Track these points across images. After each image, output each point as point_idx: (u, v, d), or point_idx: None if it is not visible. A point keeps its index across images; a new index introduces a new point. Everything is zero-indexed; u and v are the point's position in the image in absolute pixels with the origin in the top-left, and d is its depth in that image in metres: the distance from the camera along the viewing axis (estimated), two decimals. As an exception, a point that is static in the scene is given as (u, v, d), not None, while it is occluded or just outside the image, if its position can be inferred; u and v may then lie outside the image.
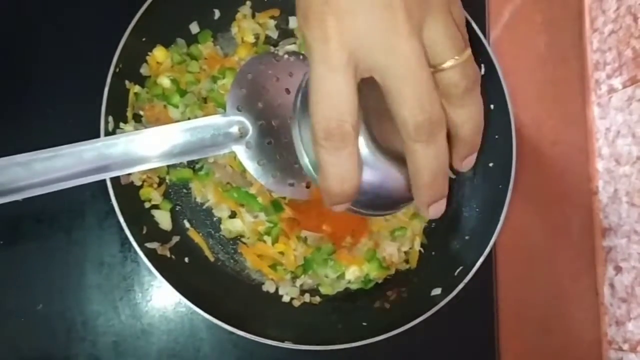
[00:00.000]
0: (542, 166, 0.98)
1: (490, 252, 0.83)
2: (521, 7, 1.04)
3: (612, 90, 0.94)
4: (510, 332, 0.93)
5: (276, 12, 0.92)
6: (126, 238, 0.84)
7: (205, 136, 0.73)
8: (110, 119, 0.78)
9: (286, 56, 0.82)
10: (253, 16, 0.91)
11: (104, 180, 0.76)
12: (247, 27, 0.90)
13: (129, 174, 0.80)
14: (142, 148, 0.70)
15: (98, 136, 0.77)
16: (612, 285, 0.92)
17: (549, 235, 0.97)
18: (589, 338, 0.95)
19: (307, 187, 0.80)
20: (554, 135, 0.99)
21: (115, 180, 0.77)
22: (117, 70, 0.78)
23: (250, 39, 0.90)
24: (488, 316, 0.92)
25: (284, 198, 0.83)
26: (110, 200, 0.83)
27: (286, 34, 0.93)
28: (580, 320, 0.95)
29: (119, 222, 0.85)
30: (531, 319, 0.95)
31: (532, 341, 0.94)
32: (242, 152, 0.76)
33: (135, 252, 0.84)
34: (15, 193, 0.67)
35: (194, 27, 0.88)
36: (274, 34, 0.92)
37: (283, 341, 0.75)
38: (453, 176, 0.92)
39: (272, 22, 0.92)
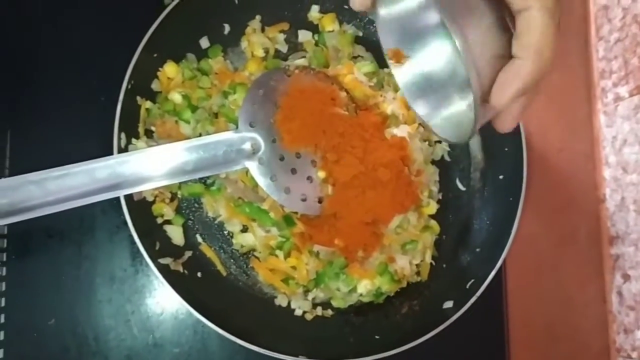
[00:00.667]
0: (548, 174, 0.98)
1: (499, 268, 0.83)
2: (526, 14, 1.04)
3: (618, 98, 0.94)
4: (519, 340, 0.93)
5: (286, 26, 0.92)
6: (137, 252, 0.85)
7: (218, 153, 0.74)
8: (123, 135, 0.79)
9: (297, 71, 0.82)
10: (263, 30, 0.92)
11: (115, 196, 0.76)
12: (257, 42, 0.90)
13: (141, 191, 0.80)
14: (154, 166, 0.71)
15: (111, 152, 0.77)
16: (620, 293, 0.92)
17: (556, 244, 0.97)
18: (597, 346, 0.94)
19: (319, 202, 0.80)
20: (560, 143, 0.99)
21: (127, 196, 0.77)
22: (129, 86, 0.78)
23: (260, 53, 0.90)
24: (498, 325, 0.93)
25: (296, 213, 0.83)
26: (121, 214, 0.84)
27: (295, 47, 0.93)
28: (588, 328, 0.95)
29: (129, 236, 0.85)
30: (540, 327, 0.95)
31: (541, 349, 0.95)
32: (254, 168, 0.76)
33: (147, 266, 0.85)
34: (28, 212, 0.67)
35: (204, 42, 0.89)
36: (284, 48, 0.92)
37: (297, 356, 0.76)
38: (463, 189, 0.92)
39: (282, 36, 0.92)
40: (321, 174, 0.79)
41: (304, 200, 0.79)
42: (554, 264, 0.97)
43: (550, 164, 0.98)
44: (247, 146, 0.75)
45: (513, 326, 0.93)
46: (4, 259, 0.85)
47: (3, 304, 0.84)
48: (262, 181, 0.76)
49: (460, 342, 0.87)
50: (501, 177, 0.89)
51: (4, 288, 0.84)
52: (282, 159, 0.77)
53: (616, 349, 0.93)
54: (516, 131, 0.85)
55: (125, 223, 0.85)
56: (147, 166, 0.70)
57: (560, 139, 1.00)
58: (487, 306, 0.90)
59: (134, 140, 0.81)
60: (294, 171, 0.78)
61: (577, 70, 1.02)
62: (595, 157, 0.99)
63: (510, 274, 0.94)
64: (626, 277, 0.91)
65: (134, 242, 0.85)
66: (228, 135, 0.75)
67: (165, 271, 0.77)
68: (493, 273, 0.81)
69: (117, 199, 0.77)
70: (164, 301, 0.86)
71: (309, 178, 0.79)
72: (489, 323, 0.92)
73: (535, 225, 0.95)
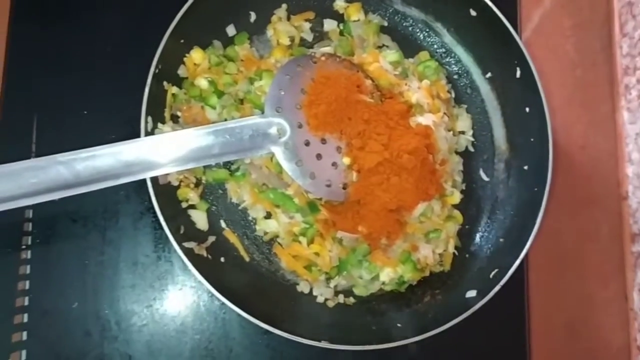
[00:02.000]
0: (571, 171, 0.97)
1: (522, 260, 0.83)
2: (550, 11, 1.04)
3: (642, 95, 0.94)
4: (540, 334, 0.93)
5: (311, 15, 0.93)
6: (160, 238, 0.86)
7: (244, 137, 0.74)
8: (150, 119, 0.79)
9: (323, 58, 0.82)
10: (288, 19, 0.92)
11: (138, 182, 0.77)
12: (283, 30, 0.90)
13: (167, 174, 0.81)
14: (181, 148, 0.71)
15: (138, 136, 0.78)
16: (642, 291, 0.92)
17: (578, 240, 0.97)
18: (617, 343, 0.94)
19: (344, 188, 0.80)
20: (583, 140, 0.99)
21: (153, 180, 0.77)
22: (157, 71, 0.79)
23: (286, 41, 0.91)
24: (519, 317, 0.92)
25: (320, 199, 0.84)
26: (145, 201, 0.85)
27: (321, 36, 0.94)
28: (609, 325, 0.94)
29: (153, 222, 0.86)
30: (560, 323, 0.94)
31: (561, 344, 0.94)
32: (280, 153, 0.76)
33: (169, 252, 0.86)
34: (56, 191, 0.67)
35: (231, 30, 0.89)
36: (309, 37, 0.93)
37: (320, 340, 0.76)
38: (487, 179, 0.92)
39: (307, 25, 0.93)
40: (346, 160, 0.80)
41: (328, 185, 0.79)
42: (576, 260, 0.96)
43: (573, 160, 0.98)
44: (273, 131, 0.76)
45: (534, 320, 0.93)
46: (29, 242, 0.85)
47: (27, 286, 0.84)
48: (287, 166, 0.77)
49: (481, 333, 0.87)
50: (526, 167, 0.88)
51: (28, 271, 0.85)
52: (307, 144, 0.78)
53: (637, 346, 0.92)
54: (542, 121, 0.84)
55: (149, 209, 0.86)
56: (174, 149, 0.71)
57: (583, 136, 0.99)
58: (509, 299, 0.90)
59: (160, 125, 0.81)
60: (319, 157, 0.79)
61: (601, 67, 1.02)
62: (618, 154, 0.99)
63: (532, 269, 0.94)
64: (648, 275, 0.90)
65: (157, 229, 0.86)
66: (254, 120, 0.76)
67: (189, 254, 0.77)
68: (517, 262, 0.80)
69: (142, 185, 0.78)
70: (186, 288, 0.86)
71: (334, 164, 0.79)
72: (511, 315, 0.92)
73: (557, 221, 0.95)
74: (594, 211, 0.98)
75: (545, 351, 0.93)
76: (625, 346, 0.94)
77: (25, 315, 0.83)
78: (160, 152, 0.71)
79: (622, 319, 0.94)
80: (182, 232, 0.79)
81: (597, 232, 0.97)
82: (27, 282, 0.84)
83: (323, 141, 0.79)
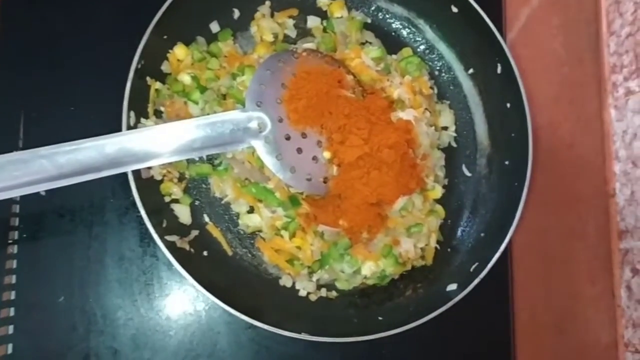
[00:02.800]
0: (558, 168, 0.98)
1: (506, 251, 0.84)
2: (537, 9, 1.05)
3: (629, 92, 0.94)
4: (526, 331, 0.93)
5: (295, 12, 0.94)
6: (145, 233, 0.87)
7: (225, 131, 0.75)
8: (132, 114, 0.80)
9: (304, 53, 0.83)
10: (272, 15, 0.93)
11: (124, 177, 0.78)
12: (266, 26, 0.91)
13: (149, 168, 0.82)
14: (163, 142, 0.72)
15: (120, 130, 0.78)
16: (629, 288, 0.92)
17: (565, 237, 0.97)
18: (605, 340, 0.94)
19: (325, 182, 0.81)
20: (570, 138, 0.99)
21: (136, 174, 0.78)
22: (139, 67, 0.80)
23: (269, 37, 0.92)
24: (504, 315, 0.93)
25: (301, 193, 0.84)
26: (130, 196, 0.85)
27: (304, 32, 0.94)
28: (596, 322, 0.94)
29: (138, 217, 0.87)
30: (547, 320, 0.95)
31: (548, 342, 0.94)
32: (260, 147, 0.77)
33: (155, 247, 0.86)
34: (39, 184, 0.68)
35: (214, 26, 0.90)
36: (293, 33, 0.94)
37: (300, 332, 0.76)
38: (469, 174, 0.93)
39: (291, 22, 0.94)
40: (326, 154, 0.81)
41: (309, 179, 0.80)
42: (563, 258, 0.97)
43: (560, 158, 0.98)
44: (253, 125, 0.77)
45: (519, 318, 0.93)
46: (16, 237, 0.86)
47: (14, 280, 0.85)
48: (267, 159, 0.77)
49: (465, 328, 0.89)
50: (507, 162, 0.89)
51: (15, 265, 0.85)
52: (288, 138, 0.79)
53: (624, 343, 0.92)
54: (522, 117, 0.86)
55: (134, 204, 0.86)
56: (156, 142, 0.72)
57: (570, 133, 0.99)
58: (493, 295, 0.91)
59: (143, 120, 0.82)
60: (299, 151, 0.79)
61: (588, 65, 1.02)
62: (605, 152, 0.98)
63: (518, 266, 0.94)
64: (635, 272, 0.90)
65: (142, 224, 0.86)
66: (235, 114, 0.76)
67: (171, 248, 0.78)
68: (497, 256, 0.81)
69: (127, 180, 0.79)
70: (170, 282, 0.87)
71: (315, 158, 0.80)
72: (495, 311, 0.93)
73: (543, 218, 0.95)
74: (581, 209, 0.98)
75: (532, 347, 0.93)
76: (612, 343, 0.93)
77: (12, 309, 0.84)
78: (142, 145, 0.71)
79: (610, 316, 0.94)
80: (164, 225, 0.80)
81: (584, 229, 0.97)
82: (14, 277, 0.85)
83: (303, 135, 0.80)
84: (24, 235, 0.87)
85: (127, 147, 0.70)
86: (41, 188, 0.68)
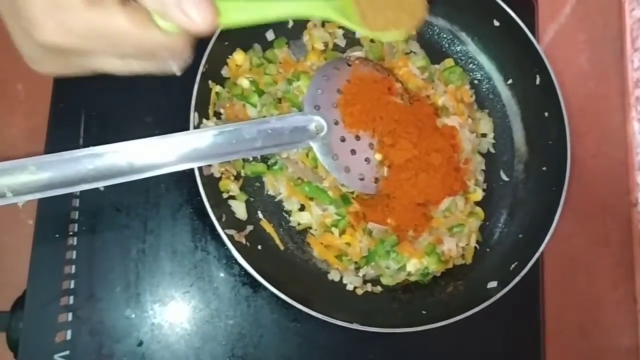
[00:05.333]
0: (583, 178, 1.01)
1: (538, 257, 0.88)
2: (565, 26, 1.09)
3: (652, 106, 0.98)
4: (554, 333, 0.97)
5: (344, 22, 0.98)
6: (197, 229, 0.91)
7: (285, 132, 0.79)
8: (196, 115, 0.84)
9: (357, 61, 0.88)
10: (323, 25, 0.98)
11: (178, 175, 0.82)
12: (317, 36, 0.97)
13: (210, 166, 0.86)
14: (227, 142, 0.75)
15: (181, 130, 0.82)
16: (650, 293, 0.95)
17: (590, 245, 1.01)
18: (626, 344, 0.97)
19: (375, 182, 0.86)
20: (595, 148, 1.03)
21: (199, 172, 0.82)
22: (204, 70, 0.84)
23: (320, 46, 0.97)
24: (535, 315, 0.97)
25: (352, 193, 0.89)
26: (183, 194, 0.90)
27: (353, 42, 1.00)
28: (618, 326, 0.98)
29: (190, 214, 0.92)
30: (572, 323, 0.99)
31: (574, 344, 0.98)
32: (318, 147, 0.82)
33: (206, 242, 0.91)
34: (111, 178, 0.71)
35: (270, 35, 0.96)
36: (342, 42, 0.99)
37: (352, 322, 0.80)
38: (507, 179, 0.97)
39: (340, 32, 0.99)
40: (378, 156, 0.85)
41: (361, 179, 0.85)
42: (587, 264, 1.01)
43: (585, 168, 1.02)
44: (311, 127, 0.81)
45: (548, 319, 0.97)
46: (76, 229, 0.90)
47: (73, 270, 0.88)
48: (324, 160, 0.82)
49: (499, 327, 0.93)
50: (544, 168, 0.94)
51: (74, 256, 0.89)
52: (343, 140, 0.83)
53: (645, 347, 0.95)
54: (561, 125, 0.91)
55: (187, 202, 0.92)
56: (221, 142, 0.75)
57: (595, 144, 1.03)
58: (525, 297, 0.96)
59: (204, 120, 0.86)
60: (353, 152, 0.84)
61: (613, 79, 1.07)
62: (628, 163, 1.02)
63: (547, 271, 0.98)
64: (657, 278, 0.94)
65: (194, 219, 0.91)
66: (295, 116, 0.81)
67: (231, 240, 0.81)
68: (536, 255, 0.85)
69: (180, 179, 0.87)
70: (220, 276, 0.91)
71: (367, 159, 0.85)
72: (526, 313, 0.97)
73: (570, 225, 0.98)
74: (605, 217, 1.02)
75: (559, 349, 0.97)
76: (634, 347, 0.97)
77: (71, 298, 0.88)
78: (209, 144, 0.74)
79: (631, 320, 0.98)
80: (223, 220, 0.84)
81: (607, 237, 1.01)
82: (73, 267, 0.89)
83: (357, 138, 0.84)
84: (83, 228, 0.90)
85: (195, 144, 0.73)
86: (113, 182, 0.71)
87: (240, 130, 0.76)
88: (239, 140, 0.76)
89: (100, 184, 0.70)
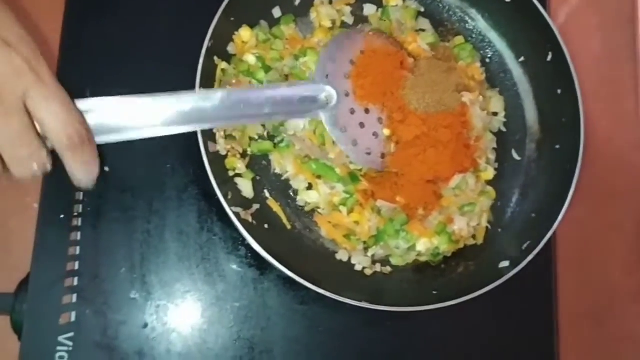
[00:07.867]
0: (595, 163, 0.99)
1: (551, 239, 0.86)
2: (577, 9, 1.08)
3: (664, 91, 0.97)
4: (568, 321, 0.96)
5: (352, 0, 0.98)
6: (203, 209, 0.91)
7: (295, 100, 0.78)
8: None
9: (371, 33, 0.87)
10: (330, 2, 0.97)
11: (184, 156, 0.83)
12: (325, 13, 0.95)
13: (216, 143, 0.84)
14: (234, 105, 0.72)
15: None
16: (664, 280, 0.94)
17: (602, 229, 0.98)
18: (640, 332, 0.96)
19: (382, 157, 0.84)
20: (607, 133, 1.01)
21: (205, 148, 0.81)
22: (210, 46, 0.83)
23: (328, 24, 0.95)
24: (548, 299, 0.96)
25: (360, 170, 0.88)
26: (188, 174, 0.89)
27: (361, 19, 0.98)
28: (632, 313, 0.96)
29: (197, 194, 0.91)
30: (585, 310, 0.97)
31: (586, 331, 0.96)
32: (327, 118, 0.81)
33: (212, 223, 0.90)
34: (113, 133, 0.65)
35: (277, 12, 0.94)
36: (350, 20, 0.98)
37: (360, 301, 0.78)
38: (518, 158, 0.96)
39: (348, 9, 0.98)
40: (386, 132, 0.84)
41: (368, 154, 0.83)
42: (601, 250, 0.98)
43: (598, 153, 1.00)
44: (322, 97, 0.79)
45: (561, 304, 0.96)
46: (80, 210, 0.89)
47: (78, 252, 0.88)
48: (332, 131, 0.81)
49: (513, 306, 0.91)
50: (557, 146, 0.92)
51: (79, 237, 0.88)
52: (352, 112, 0.82)
53: (660, 336, 0.93)
54: (574, 102, 0.90)
55: (193, 182, 0.91)
56: (228, 105, 0.71)
57: (607, 129, 1.01)
58: (538, 278, 0.94)
59: (210, 97, 0.85)
60: (362, 125, 0.83)
61: (625, 64, 1.05)
62: (640, 148, 1.01)
63: (560, 256, 0.97)
64: (671, 264, 0.92)
65: (200, 200, 0.90)
66: (305, 85, 0.80)
67: (237, 218, 0.80)
68: (549, 234, 0.84)
69: (186, 159, 0.87)
70: (226, 258, 0.90)
71: (375, 134, 0.84)
72: (539, 293, 0.96)
73: (583, 211, 0.97)
74: (618, 203, 1.00)
75: (572, 336, 0.95)
76: (648, 333, 0.95)
77: (76, 279, 0.87)
78: (215, 105, 0.70)
79: (645, 307, 0.96)
80: (229, 197, 0.83)
81: (621, 223, 0.99)
82: (78, 248, 0.88)
83: (367, 111, 0.83)
84: (88, 209, 0.90)
85: (201, 105, 0.69)
86: (115, 139, 0.65)
87: (248, 95, 0.74)
88: (246, 104, 0.73)
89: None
